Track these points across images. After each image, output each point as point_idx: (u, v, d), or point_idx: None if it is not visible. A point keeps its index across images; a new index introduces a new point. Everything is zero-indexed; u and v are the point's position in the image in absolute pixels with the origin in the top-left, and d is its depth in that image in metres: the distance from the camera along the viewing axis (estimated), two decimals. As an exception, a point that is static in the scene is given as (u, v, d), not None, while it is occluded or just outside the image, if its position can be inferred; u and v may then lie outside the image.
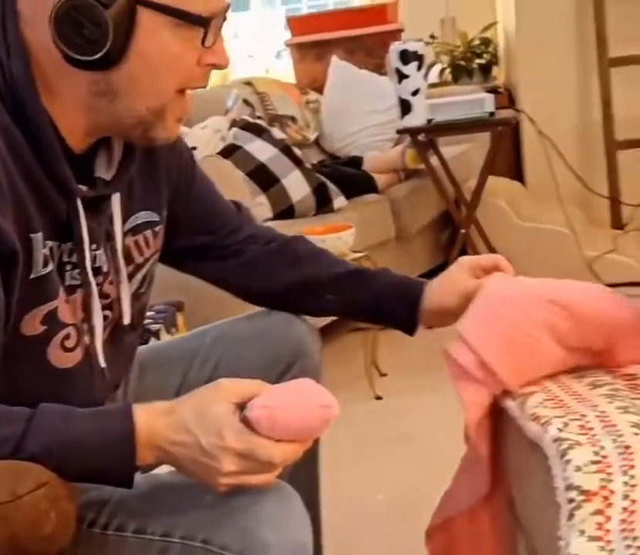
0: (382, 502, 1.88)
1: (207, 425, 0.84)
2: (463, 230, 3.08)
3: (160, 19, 0.91)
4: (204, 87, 1.00)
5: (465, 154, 3.53)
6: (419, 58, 2.90)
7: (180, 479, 0.91)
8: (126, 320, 1.07)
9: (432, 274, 3.44)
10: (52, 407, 0.85)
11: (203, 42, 0.94)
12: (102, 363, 1.02)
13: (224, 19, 0.96)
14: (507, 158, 3.79)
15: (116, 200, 1.03)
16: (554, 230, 3.25)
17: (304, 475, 1.32)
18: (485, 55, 4.16)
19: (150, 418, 0.86)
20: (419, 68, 2.90)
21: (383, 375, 2.64)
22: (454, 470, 1.86)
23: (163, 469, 0.96)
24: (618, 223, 3.52)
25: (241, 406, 0.86)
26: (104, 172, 1.02)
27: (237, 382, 0.89)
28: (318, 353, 1.27)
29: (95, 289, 1.00)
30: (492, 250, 3.24)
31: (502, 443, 1.21)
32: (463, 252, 3.17)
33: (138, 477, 0.88)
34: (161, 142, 1.01)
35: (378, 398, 2.47)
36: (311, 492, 1.35)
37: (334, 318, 2.93)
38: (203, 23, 0.93)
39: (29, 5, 0.92)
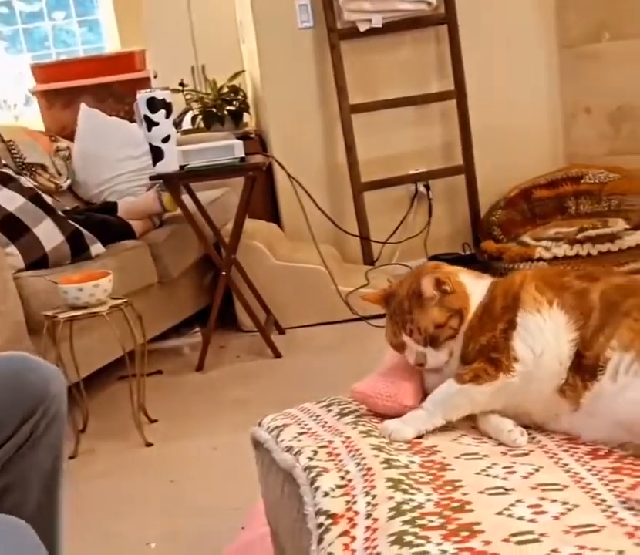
0: (155, 551, 1.85)
1: None
2: (223, 273, 3.14)
3: None
4: None
5: (222, 198, 3.60)
6: (166, 105, 2.94)
7: None
8: None
9: (199, 315, 3.48)
10: None
11: None
12: None
13: None
14: (264, 201, 3.90)
15: None
16: (311, 268, 3.39)
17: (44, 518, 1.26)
18: (235, 102, 4.28)
19: None
20: (168, 115, 2.94)
21: (153, 421, 2.61)
22: (227, 512, 1.88)
23: None
24: (369, 260, 3.73)
25: None
26: None
27: None
28: (62, 394, 1.26)
29: None
30: (253, 289, 3.32)
31: (260, 477, 1.24)
32: (227, 293, 3.23)
33: None
34: None
35: (149, 444, 2.44)
36: (51, 533, 1.29)
37: (99, 366, 2.88)
38: None
39: None
